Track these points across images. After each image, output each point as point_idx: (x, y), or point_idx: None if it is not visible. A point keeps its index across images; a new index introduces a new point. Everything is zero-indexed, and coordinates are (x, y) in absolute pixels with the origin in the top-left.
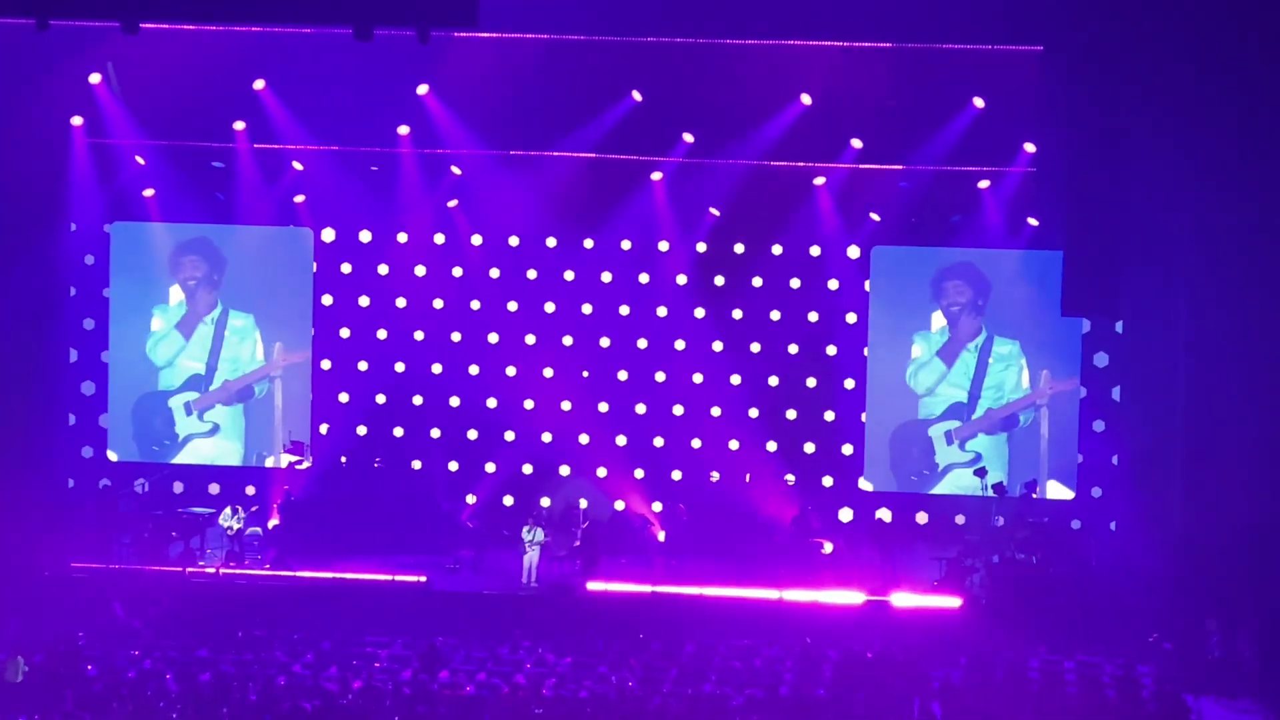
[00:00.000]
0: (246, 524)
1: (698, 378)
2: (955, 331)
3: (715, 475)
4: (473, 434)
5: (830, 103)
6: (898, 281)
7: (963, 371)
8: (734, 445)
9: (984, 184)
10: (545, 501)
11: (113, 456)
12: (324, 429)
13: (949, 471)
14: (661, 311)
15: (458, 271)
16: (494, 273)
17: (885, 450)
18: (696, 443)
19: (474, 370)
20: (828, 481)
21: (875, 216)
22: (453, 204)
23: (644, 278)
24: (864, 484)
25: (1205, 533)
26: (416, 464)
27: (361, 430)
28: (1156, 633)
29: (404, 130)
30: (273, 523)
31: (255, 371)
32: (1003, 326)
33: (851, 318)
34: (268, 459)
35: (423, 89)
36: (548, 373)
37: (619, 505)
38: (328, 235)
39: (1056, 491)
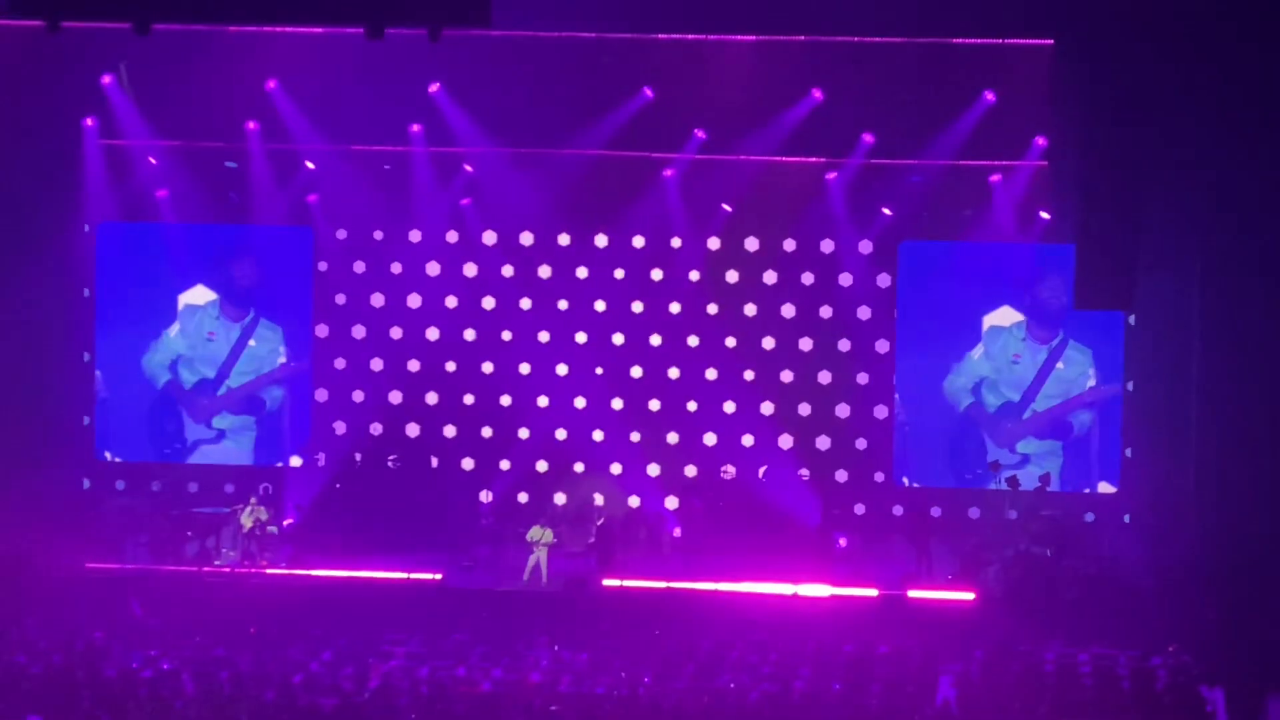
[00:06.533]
0: (263, 523)
1: (711, 373)
2: (1034, 331)
3: (729, 470)
4: (487, 432)
5: (842, 97)
6: (920, 275)
7: (1030, 372)
8: (748, 441)
9: (996, 178)
10: (560, 498)
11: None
12: (339, 428)
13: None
14: (675, 308)
15: (471, 269)
16: (507, 270)
17: (933, 445)
18: (710, 438)
19: (488, 368)
20: (841, 476)
21: (887, 211)
22: (465, 202)
23: (657, 274)
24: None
25: (1220, 524)
26: (432, 462)
27: (376, 428)
28: (1173, 630)
29: (416, 129)
30: (288, 521)
31: (260, 378)
32: (1079, 332)
33: (864, 312)
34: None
35: (434, 87)
36: (561, 370)
37: (634, 501)
38: (340, 234)
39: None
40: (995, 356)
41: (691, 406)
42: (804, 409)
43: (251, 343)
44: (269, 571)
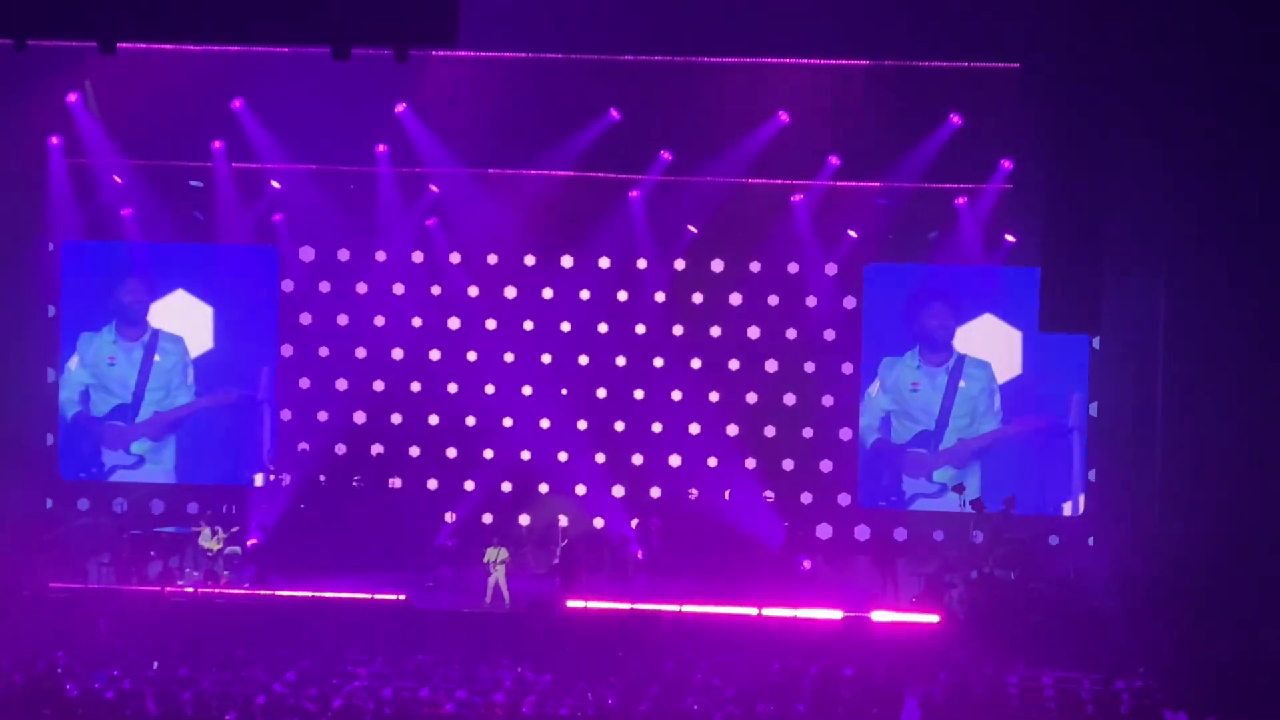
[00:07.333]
0: (226, 543)
1: (676, 395)
2: (927, 355)
3: (694, 492)
4: (452, 452)
5: (808, 120)
6: (885, 298)
7: (933, 397)
8: (713, 462)
9: (961, 200)
10: (525, 519)
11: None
12: (304, 448)
13: (916, 499)
14: (640, 329)
15: (436, 290)
16: (473, 291)
17: (867, 468)
18: (675, 460)
19: (453, 388)
20: (806, 498)
21: (853, 233)
22: (431, 222)
23: (622, 295)
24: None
25: (1183, 546)
26: (395, 482)
27: (340, 449)
28: (1137, 654)
29: (382, 149)
30: (252, 541)
31: (186, 405)
32: (976, 348)
33: (829, 334)
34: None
35: (400, 108)
36: (526, 390)
37: (598, 523)
38: (306, 254)
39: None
40: (893, 389)
41: (656, 428)
42: (769, 431)
43: (156, 358)
44: (232, 592)
